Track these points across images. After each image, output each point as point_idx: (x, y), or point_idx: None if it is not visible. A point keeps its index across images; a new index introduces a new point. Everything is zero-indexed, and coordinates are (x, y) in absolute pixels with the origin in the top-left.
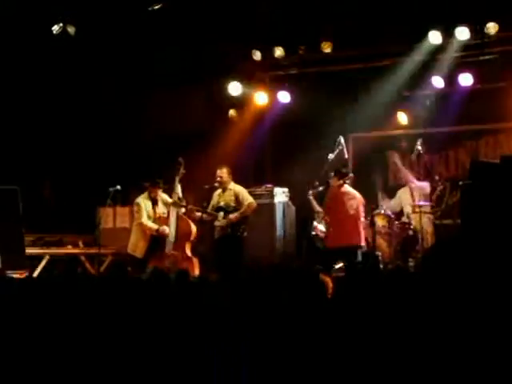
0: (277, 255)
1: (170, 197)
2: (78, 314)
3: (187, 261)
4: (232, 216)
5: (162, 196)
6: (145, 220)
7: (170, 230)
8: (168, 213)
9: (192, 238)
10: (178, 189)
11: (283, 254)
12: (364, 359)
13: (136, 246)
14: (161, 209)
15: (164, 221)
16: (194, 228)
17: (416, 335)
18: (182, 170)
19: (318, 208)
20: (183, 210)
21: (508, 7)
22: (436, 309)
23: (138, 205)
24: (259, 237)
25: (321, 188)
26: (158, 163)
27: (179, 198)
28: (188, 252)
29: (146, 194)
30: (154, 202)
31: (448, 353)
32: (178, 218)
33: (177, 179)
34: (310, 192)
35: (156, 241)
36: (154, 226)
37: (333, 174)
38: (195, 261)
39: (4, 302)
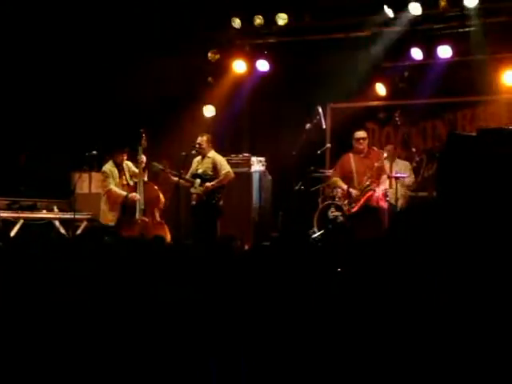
0: (252, 225)
1: (136, 166)
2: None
3: (158, 226)
4: (208, 184)
5: (129, 164)
6: (113, 187)
7: (140, 197)
8: (135, 182)
9: (160, 203)
10: (143, 158)
11: (259, 223)
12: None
13: (106, 215)
14: (127, 177)
15: (132, 189)
16: (160, 194)
17: (390, 309)
18: (143, 142)
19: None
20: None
21: None
22: (404, 277)
23: (105, 173)
24: (235, 205)
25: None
26: (134, 130)
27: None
28: (158, 218)
29: (111, 162)
30: (121, 169)
31: (418, 325)
32: (145, 184)
33: (140, 149)
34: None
35: (126, 208)
36: (123, 193)
37: None
38: (166, 227)
39: None
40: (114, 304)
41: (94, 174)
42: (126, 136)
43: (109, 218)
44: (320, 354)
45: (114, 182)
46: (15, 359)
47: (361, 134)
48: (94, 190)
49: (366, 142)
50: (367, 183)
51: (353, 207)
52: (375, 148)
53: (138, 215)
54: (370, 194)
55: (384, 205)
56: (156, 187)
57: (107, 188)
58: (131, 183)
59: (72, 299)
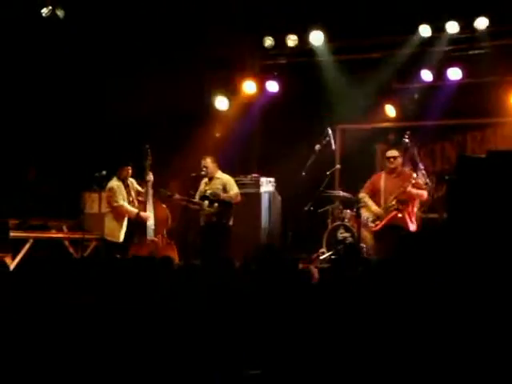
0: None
1: (140, 185)
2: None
3: (168, 247)
4: (216, 205)
5: (133, 182)
6: (125, 204)
7: (150, 217)
8: (140, 201)
9: (168, 223)
10: (150, 176)
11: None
12: (347, 349)
13: (113, 231)
14: (133, 195)
15: (140, 206)
16: (169, 213)
17: (398, 324)
18: (149, 157)
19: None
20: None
21: (498, 2)
22: (412, 298)
23: (112, 188)
24: (244, 226)
25: None
26: (140, 147)
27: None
28: (167, 237)
29: (115, 178)
30: (126, 185)
31: (429, 341)
32: (154, 203)
33: (147, 166)
34: None
35: (135, 225)
36: (134, 210)
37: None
38: (175, 247)
39: None
40: (121, 320)
41: (103, 194)
42: (130, 153)
43: (118, 234)
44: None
45: (122, 198)
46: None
47: (392, 152)
48: (103, 210)
49: (398, 161)
50: (392, 203)
51: (376, 225)
52: (407, 170)
53: (149, 235)
54: (393, 214)
55: (411, 227)
56: (165, 206)
57: (117, 204)
58: (136, 201)
59: (83, 318)
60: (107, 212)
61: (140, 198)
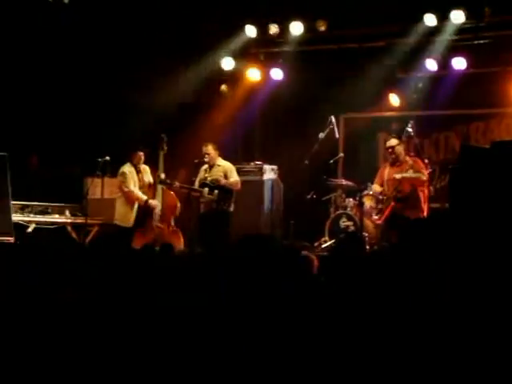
0: (264, 233)
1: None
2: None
3: (173, 234)
4: (216, 192)
5: (146, 169)
6: (134, 188)
7: (157, 204)
8: (154, 186)
9: (176, 211)
10: (161, 165)
11: (270, 231)
12: (347, 340)
13: (124, 216)
14: (143, 180)
15: (151, 190)
16: (178, 201)
17: (398, 315)
18: (164, 147)
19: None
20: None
21: None
22: (414, 288)
23: (124, 174)
24: (247, 213)
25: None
26: (147, 136)
27: (165, 178)
28: (173, 225)
29: (129, 163)
30: (138, 171)
31: (427, 333)
32: (163, 191)
33: (161, 155)
34: None
35: (143, 211)
36: (144, 197)
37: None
38: (180, 234)
39: None
40: (119, 309)
41: (106, 179)
42: (143, 139)
43: (126, 219)
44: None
45: (133, 183)
46: (18, 358)
47: (390, 142)
48: (106, 196)
49: (398, 150)
50: (391, 194)
51: (379, 218)
52: (408, 158)
53: (154, 221)
54: (391, 205)
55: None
56: (174, 194)
57: (128, 189)
58: (147, 187)
59: (79, 303)
60: (118, 196)
61: (151, 181)
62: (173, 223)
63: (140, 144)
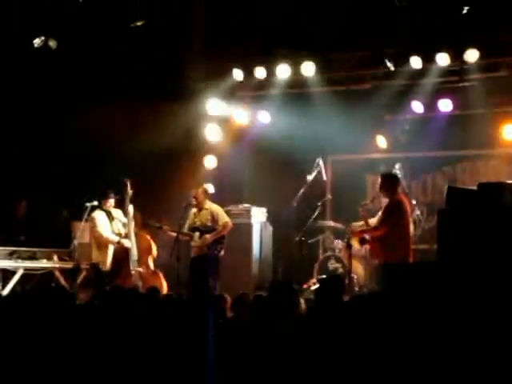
0: (253, 276)
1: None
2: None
3: (153, 276)
4: (208, 236)
5: (118, 213)
6: (104, 232)
7: (132, 247)
8: (127, 231)
9: (153, 252)
10: (130, 208)
11: (259, 274)
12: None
13: (100, 261)
14: (117, 224)
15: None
16: (152, 242)
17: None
18: (129, 190)
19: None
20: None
21: (488, 35)
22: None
23: (94, 218)
24: (235, 257)
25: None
26: (137, 180)
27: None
28: (151, 266)
29: (99, 209)
30: (109, 216)
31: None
32: (136, 234)
33: (126, 199)
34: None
35: (118, 256)
36: (115, 238)
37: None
38: (161, 275)
39: None
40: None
41: None
42: (112, 185)
43: (104, 263)
44: None
45: (105, 228)
46: None
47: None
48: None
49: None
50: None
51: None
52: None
53: (132, 266)
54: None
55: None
56: (148, 236)
57: (98, 233)
58: (122, 232)
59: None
60: (92, 242)
61: (125, 230)
62: (151, 265)
63: (107, 189)
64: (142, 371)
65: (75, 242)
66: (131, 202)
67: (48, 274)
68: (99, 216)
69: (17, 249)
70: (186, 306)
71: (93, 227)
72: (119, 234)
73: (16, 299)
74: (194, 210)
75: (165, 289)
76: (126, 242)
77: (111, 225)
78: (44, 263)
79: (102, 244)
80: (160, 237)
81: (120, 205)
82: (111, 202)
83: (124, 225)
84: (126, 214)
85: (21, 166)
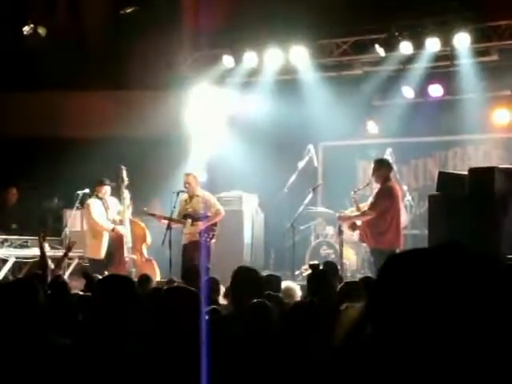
0: (244, 263)
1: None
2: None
3: (147, 264)
4: (200, 223)
5: (113, 201)
6: (98, 219)
7: (127, 235)
8: (122, 218)
9: (147, 239)
10: (126, 194)
11: (251, 261)
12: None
13: (93, 249)
14: (112, 213)
15: (118, 224)
16: (146, 230)
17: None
18: (124, 177)
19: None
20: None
21: (478, 20)
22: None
23: (89, 206)
24: (227, 243)
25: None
26: (126, 165)
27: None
28: (145, 254)
29: (94, 197)
30: (104, 203)
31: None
32: (131, 222)
33: (122, 186)
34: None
35: (113, 244)
36: (110, 225)
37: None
38: (154, 264)
39: None
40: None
41: None
42: (107, 172)
43: (97, 252)
44: None
45: (100, 215)
46: None
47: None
48: (85, 228)
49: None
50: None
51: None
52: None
53: (126, 253)
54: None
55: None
56: (141, 224)
57: (92, 220)
58: (117, 219)
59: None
60: (87, 230)
61: (120, 217)
62: (145, 253)
63: (102, 177)
64: (133, 361)
65: (66, 230)
66: (127, 188)
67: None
68: (94, 203)
69: (8, 237)
70: (178, 292)
71: (88, 215)
72: (114, 222)
73: (5, 287)
74: (185, 196)
75: (158, 276)
76: (121, 229)
77: (106, 212)
78: (35, 251)
79: (97, 232)
80: (152, 224)
81: (115, 192)
82: (106, 189)
83: (119, 212)
84: (121, 200)
85: (11, 153)
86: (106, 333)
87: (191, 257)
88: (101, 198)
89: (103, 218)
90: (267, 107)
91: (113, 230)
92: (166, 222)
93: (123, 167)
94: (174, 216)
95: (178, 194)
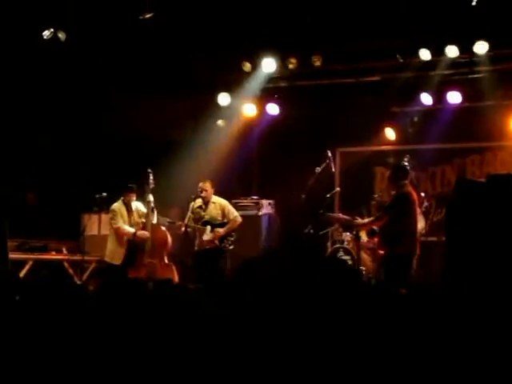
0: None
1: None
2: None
3: (166, 268)
4: (220, 230)
5: (138, 205)
6: (121, 225)
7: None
8: (143, 223)
9: (168, 245)
10: (150, 198)
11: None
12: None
13: (114, 254)
14: (136, 218)
15: (140, 229)
16: (168, 235)
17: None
18: (150, 181)
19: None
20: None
21: (497, 27)
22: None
23: (114, 211)
24: (244, 249)
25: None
26: (142, 170)
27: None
28: (166, 259)
29: (120, 201)
30: (129, 209)
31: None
32: (153, 226)
33: (147, 189)
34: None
35: (133, 248)
36: (131, 230)
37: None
38: (174, 268)
39: None
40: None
41: (103, 215)
42: (134, 176)
43: (117, 256)
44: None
45: (123, 220)
46: None
47: None
48: (103, 232)
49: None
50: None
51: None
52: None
53: (145, 257)
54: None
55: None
56: (164, 229)
57: (116, 225)
58: (140, 223)
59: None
60: (109, 234)
61: (143, 220)
62: (166, 258)
63: (131, 182)
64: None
65: (84, 234)
66: (152, 192)
67: (57, 265)
68: (118, 209)
69: (27, 240)
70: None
71: (112, 219)
72: (137, 224)
73: (26, 288)
74: (198, 203)
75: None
76: (143, 234)
77: (130, 217)
78: (53, 255)
79: (118, 236)
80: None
81: (139, 195)
82: (133, 194)
83: (142, 215)
84: (145, 204)
85: (32, 157)
86: None
87: (206, 262)
88: (126, 203)
89: (126, 223)
90: (285, 113)
91: (134, 234)
92: (183, 229)
93: (150, 171)
94: (186, 221)
95: (194, 199)
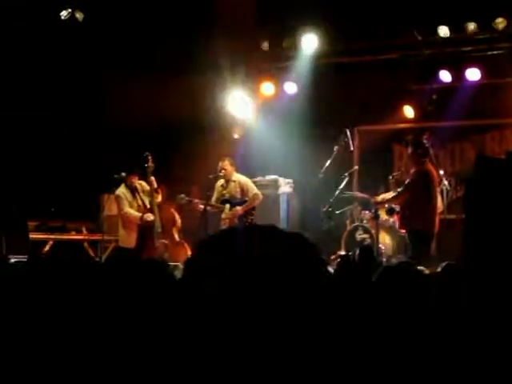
0: None
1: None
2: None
3: (179, 247)
4: (239, 208)
5: (142, 184)
6: (128, 209)
7: (155, 220)
8: (150, 203)
9: (177, 223)
10: (151, 179)
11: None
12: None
13: (126, 238)
14: (142, 196)
15: (148, 210)
16: (176, 214)
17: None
18: (150, 164)
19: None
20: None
21: None
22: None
23: (118, 196)
24: None
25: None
26: (164, 152)
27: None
28: (177, 237)
29: (123, 185)
30: (133, 192)
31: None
32: (159, 206)
33: (148, 172)
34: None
35: (143, 231)
36: (138, 214)
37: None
38: (186, 245)
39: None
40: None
41: None
42: (134, 160)
43: (129, 240)
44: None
45: (129, 204)
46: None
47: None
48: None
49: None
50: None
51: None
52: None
53: (156, 238)
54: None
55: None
56: (172, 208)
57: (123, 211)
58: (147, 204)
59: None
60: (119, 219)
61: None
62: (177, 236)
63: (131, 166)
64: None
65: (103, 214)
66: (152, 174)
67: (77, 245)
68: (123, 194)
69: (46, 220)
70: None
71: (118, 205)
72: (145, 207)
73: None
74: (221, 181)
75: None
76: (149, 217)
77: (135, 200)
78: (73, 235)
79: (126, 222)
80: (189, 209)
81: (142, 178)
82: (134, 176)
83: (147, 194)
84: (149, 185)
85: (52, 138)
86: None
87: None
88: (129, 186)
89: (132, 207)
90: (303, 91)
91: (141, 218)
92: (201, 207)
93: (148, 154)
94: (212, 201)
95: (214, 178)
